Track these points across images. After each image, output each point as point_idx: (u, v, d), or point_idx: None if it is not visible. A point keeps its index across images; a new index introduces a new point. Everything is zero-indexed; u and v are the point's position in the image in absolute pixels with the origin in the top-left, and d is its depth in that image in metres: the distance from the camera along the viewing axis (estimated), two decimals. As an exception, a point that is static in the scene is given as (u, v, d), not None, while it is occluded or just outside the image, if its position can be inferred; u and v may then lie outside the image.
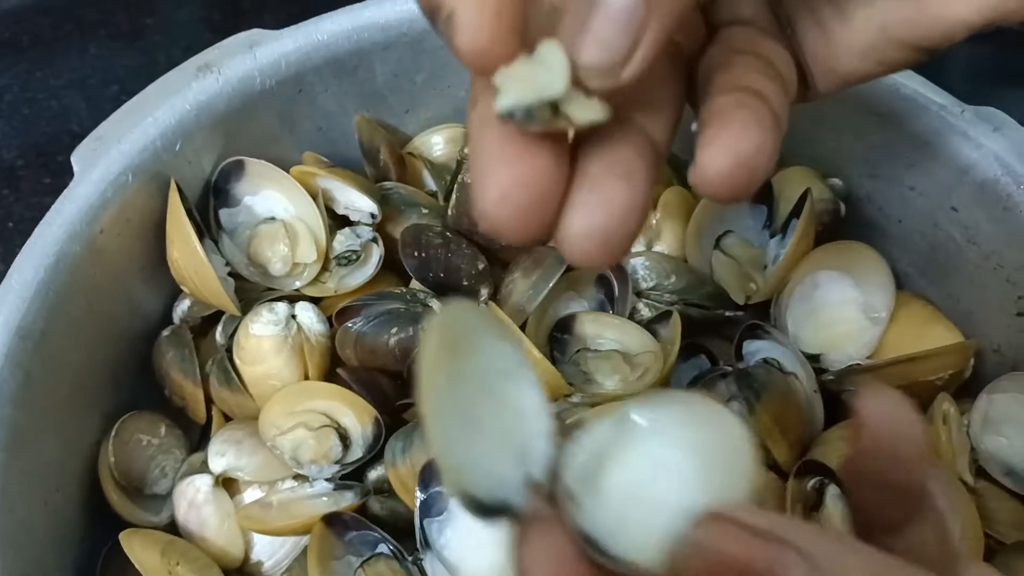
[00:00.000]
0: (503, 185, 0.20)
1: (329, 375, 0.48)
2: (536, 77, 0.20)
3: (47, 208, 0.44)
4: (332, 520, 0.42)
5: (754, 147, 0.20)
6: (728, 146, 0.20)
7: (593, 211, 0.21)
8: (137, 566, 0.40)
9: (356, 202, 0.51)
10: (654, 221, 0.52)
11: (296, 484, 0.45)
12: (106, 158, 0.46)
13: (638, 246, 0.52)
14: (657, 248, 0.52)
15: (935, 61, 0.25)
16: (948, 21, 0.24)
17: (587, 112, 0.20)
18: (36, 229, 0.43)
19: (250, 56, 0.49)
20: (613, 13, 0.19)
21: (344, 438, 0.45)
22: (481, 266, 0.49)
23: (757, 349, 0.48)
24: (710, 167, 0.20)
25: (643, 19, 0.19)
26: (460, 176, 0.50)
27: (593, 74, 0.20)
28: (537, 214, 0.21)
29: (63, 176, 0.45)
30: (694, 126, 0.22)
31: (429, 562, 0.40)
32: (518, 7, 0.20)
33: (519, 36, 0.20)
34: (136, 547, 0.41)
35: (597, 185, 0.21)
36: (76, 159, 0.46)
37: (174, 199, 0.46)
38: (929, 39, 0.24)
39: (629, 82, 0.20)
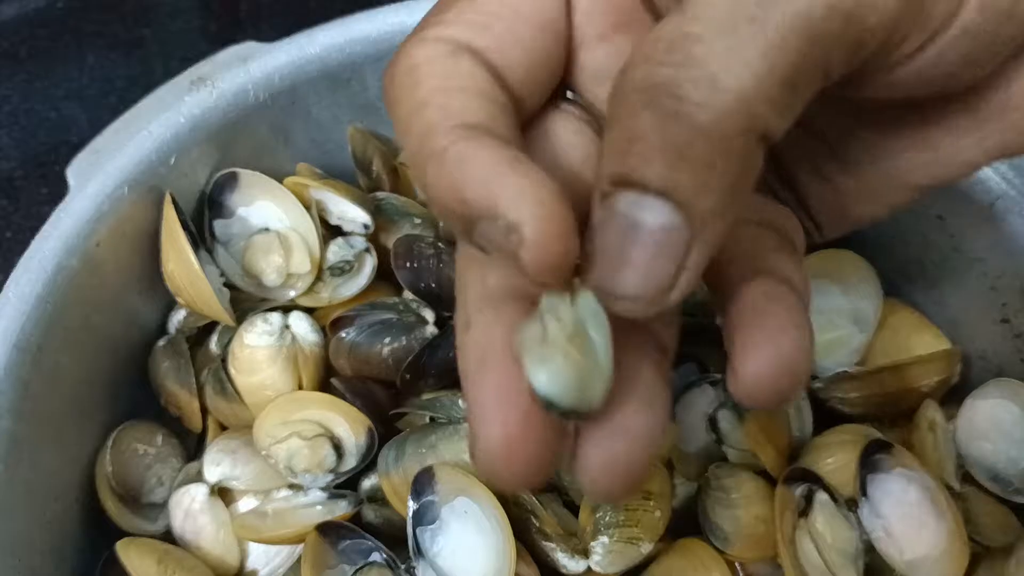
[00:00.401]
0: (510, 427, 0.18)
1: (323, 385, 0.49)
2: (574, 363, 0.17)
3: (45, 218, 0.45)
4: (326, 529, 0.42)
5: (795, 348, 0.18)
6: (769, 353, 0.18)
7: (613, 443, 0.18)
8: (134, 575, 0.41)
9: (349, 213, 0.52)
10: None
11: (290, 493, 0.46)
12: (102, 172, 0.46)
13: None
14: (647, 257, 0.52)
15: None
16: (958, 165, 0.23)
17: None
18: (33, 243, 0.44)
19: (244, 69, 0.50)
20: (654, 237, 0.17)
21: (338, 447, 0.45)
22: (473, 276, 0.49)
23: (746, 357, 0.49)
24: (752, 379, 0.18)
25: (688, 240, 0.17)
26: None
27: (632, 307, 0.18)
28: (547, 456, 0.18)
29: (61, 187, 0.46)
30: (719, 319, 0.21)
31: (422, 570, 0.41)
32: (572, 214, 0.17)
33: (578, 243, 0.18)
34: (133, 556, 0.42)
35: (616, 414, 0.18)
36: (72, 173, 0.46)
37: (169, 212, 0.47)
38: (937, 181, 0.24)
39: (672, 307, 0.18)
